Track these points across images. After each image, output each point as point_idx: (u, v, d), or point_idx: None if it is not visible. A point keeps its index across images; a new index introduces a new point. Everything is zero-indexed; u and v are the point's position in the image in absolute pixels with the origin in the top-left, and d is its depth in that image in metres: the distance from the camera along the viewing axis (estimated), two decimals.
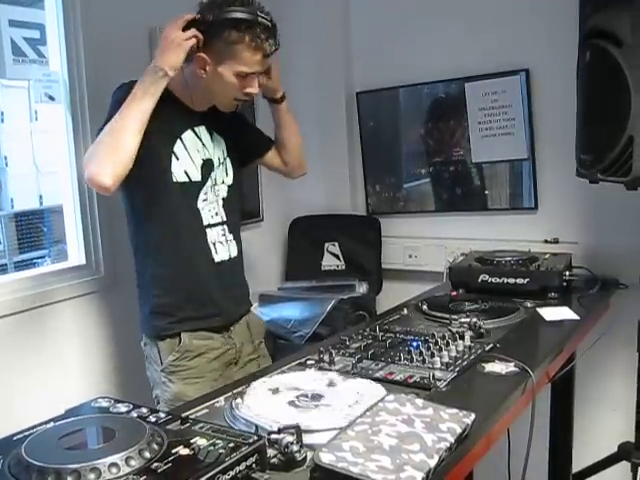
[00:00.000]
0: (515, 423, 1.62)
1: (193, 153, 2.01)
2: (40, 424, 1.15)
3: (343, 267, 3.31)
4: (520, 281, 2.37)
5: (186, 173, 1.98)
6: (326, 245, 3.33)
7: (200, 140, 2.04)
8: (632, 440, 2.41)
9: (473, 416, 1.28)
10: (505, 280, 2.40)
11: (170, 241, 1.99)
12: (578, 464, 2.71)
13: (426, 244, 3.18)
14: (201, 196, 2.02)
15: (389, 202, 3.33)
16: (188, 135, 2.01)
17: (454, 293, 2.44)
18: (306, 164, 2.39)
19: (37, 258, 6.21)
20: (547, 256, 2.56)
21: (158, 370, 1.99)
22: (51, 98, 2.47)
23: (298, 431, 1.15)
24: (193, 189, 2.01)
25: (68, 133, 2.48)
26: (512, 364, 1.64)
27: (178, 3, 2.76)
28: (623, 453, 2.48)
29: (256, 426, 1.24)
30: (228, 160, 2.14)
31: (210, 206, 2.05)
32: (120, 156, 1.77)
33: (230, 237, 2.11)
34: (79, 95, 2.47)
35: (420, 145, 3.19)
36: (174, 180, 1.96)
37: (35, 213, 6.28)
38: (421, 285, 2.77)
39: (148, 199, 1.97)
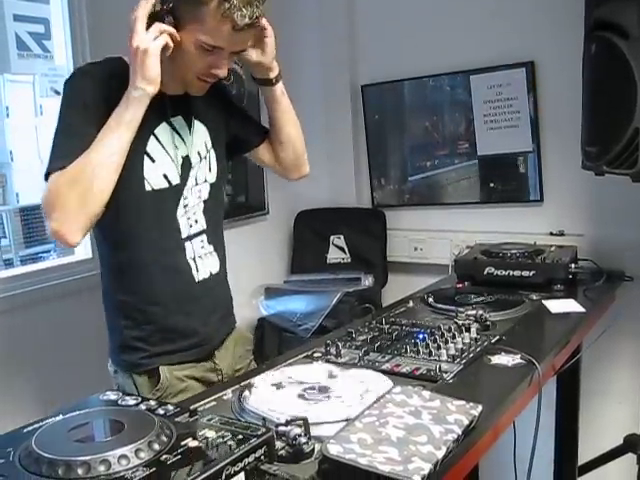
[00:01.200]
0: (521, 415, 1.62)
1: (171, 150, 1.66)
2: (49, 417, 1.15)
3: (349, 260, 3.31)
4: (526, 273, 2.37)
5: (165, 177, 1.65)
6: (331, 238, 3.33)
7: (177, 133, 1.68)
8: (638, 432, 2.42)
9: (480, 408, 1.28)
10: (511, 272, 2.40)
11: (140, 263, 1.67)
12: (584, 456, 2.72)
13: (431, 237, 3.18)
14: (181, 202, 1.69)
15: (394, 195, 3.33)
16: (163, 129, 1.65)
17: (460, 285, 2.44)
18: (307, 165, 2.00)
19: (43, 252, 6.23)
20: (553, 248, 2.56)
21: None
22: (57, 92, 2.48)
23: (306, 423, 1.16)
24: (172, 195, 1.68)
25: None
26: (518, 356, 1.64)
27: None
28: (629, 445, 2.49)
29: (264, 418, 1.24)
30: (212, 153, 1.79)
31: (189, 213, 1.71)
32: (93, 206, 1.47)
33: (210, 248, 1.78)
34: None
35: (425, 138, 3.19)
36: (147, 188, 1.62)
37: (40, 207, 6.30)
38: (427, 278, 2.77)
39: (114, 213, 1.58)
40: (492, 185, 3.05)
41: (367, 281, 3.06)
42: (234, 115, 1.92)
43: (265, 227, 3.34)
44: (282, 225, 3.47)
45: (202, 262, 1.75)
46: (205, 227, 1.76)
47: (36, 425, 1.12)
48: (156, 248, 1.67)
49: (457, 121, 3.07)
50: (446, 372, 1.53)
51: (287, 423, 1.16)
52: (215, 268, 1.79)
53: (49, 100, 2.62)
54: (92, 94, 1.55)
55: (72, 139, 1.51)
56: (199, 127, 1.75)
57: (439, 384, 1.47)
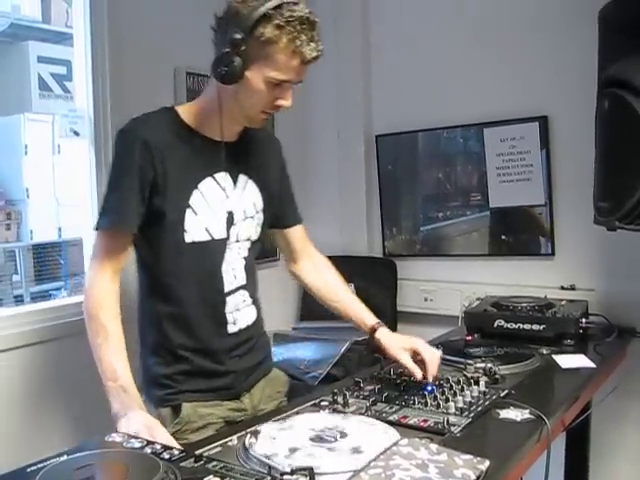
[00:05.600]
0: (529, 472, 1.60)
1: (215, 205, 1.70)
2: (54, 456, 1.15)
3: None
4: (536, 327, 2.36)
5: (207, 230, 1.69)
6: None
7: (222, 189, 1.72)
8: None
9: (487, 463, 1.26)
10: (521, 326, 2.39)
11: (176, 310, 1.71)
12: None
13: (442, 288, 3.18)
14: (225, 256, 1.73)
15: (406, 245, 3.33)
16: (207, 184, 1.69)
17: (469, 338, 2.43)
18: None
19: (53, 290, 6.26)
20: (563, 303, 2.55)
21: None
22: (76, 133, 2.53)
23: (311, 473, 1.14)
24: (215, 248, 1.72)
25: (91, 168, 2.52)
26: (527, 411, 1.62)
27: (203, 42, 2.84)
28: None
29: (269, 466, 1.23)
30: (260, 215, 1.82)
31: (231, 267, 1.75)
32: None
33: (249, 301, 1.82)
34: (103, 131, 2.51)
35: (438, 189, 3.21)
36: (187, 240, 1.66)
37: (53, 245, 6.35)
38: (436, 329, 2.76)
39: (154, 259, 1.69)
40: (503, 237, 3.05)
41: None
42: (282, 187, 1.96)
43: (275, 273, 3.33)
44: None
45: (240, 314, 1.78)
46: (245, 282, 1.79)
47: (40, 465, 1.11)
48: (196, 299, 1.71)
49: (470, 173, 3.10)
50: (454, 425, 1.51)
51: (292, 472, 1.15)
52: (252, 318, 1.83)
53: (67, 140, 2.67)
54: (140, 155, 1.61)
55: (117, 201, 1.63)
56: (249, 185, 1.79)
57: (446, 437, 1.46)
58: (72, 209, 5.16)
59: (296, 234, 2.01)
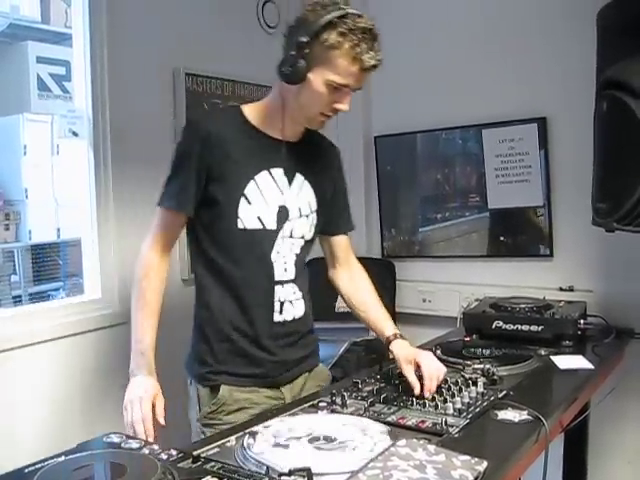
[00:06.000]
0: (527, 472, 1.60)
1: (268, 197, 1.79)
2: (52, 457, 1.15)
3: None
4: (534, 328, 2.36)
5: (259, 219, 1.78)
6: None
7: (276, 183, 1.80)
8: None
9: (485, 464, 1.27)
10: (519, 327, 2.39)
11: (227, 293, 1.81)
12: None
13: (440, 289, 3.18)
14: (275, 247, 1.81)
15: (404, 246, 3.34)
16: (263, 176, 1.78)
17: (468, 339, 2.43)
18: None
19: (52, 290, 6.25)
20: (562, 304, 2.55)
21: (195, 418, 1.83)
22: (74, 134, 2.52)
23: (309, 474, 1.14)
24: (266, 238, 1.80)
25: (90, 169, 2.52)
26: (525, 412, 1.62)
27: (201, 43, 2.85)
28: None
29: (267, 467, 1.23)
30: (315, 215, 1.90)
31: (282, 260, 1.83)
32: None
33: (299, 295, 1.89)
34: (102, 132, 2.52)
35: (436, 190, 3.21)
36: (240, 226, 1.76)
37: (52, 246, 6.34)
38: (435, 330, 2.76)
39: (210, 241, 1.80)
40: (502, 239, 3.05)
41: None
42: (336, 195, 2.02)
43: None
44: None
45: (288, 305, 1.85)
46: (294, 277, 1.86)
47: (38, 465, 1.11)
48: (246, 282, 1.80)
49: (468, 174, 3.10)
50: (452, 426, 1.51)
51: (290, 473, 1.15)
52: (299, 313, 1.89)
53: (66, 141, 2.66)
54: (201, 144, 1.73)
55: (176, 185, 1.76)
56: (305, 185, 1.88)
57: (445, 438, 1.46)
58: (71, 209, 5.15)
59: (341, 243, 2.09)
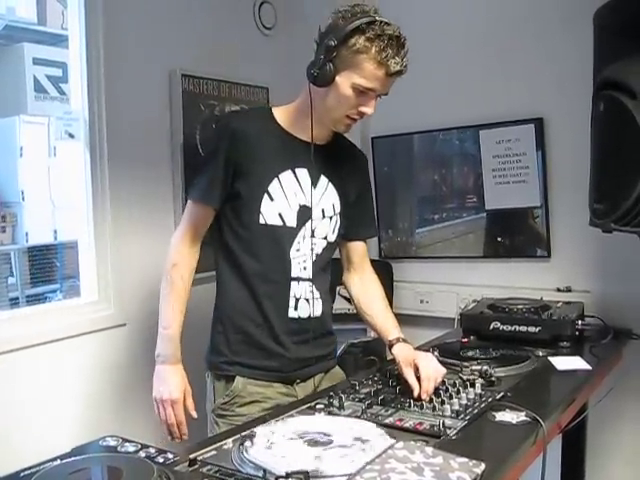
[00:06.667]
0: (525, 474, 1.59)
1: (290, 196, 1.85)
2: (47, 461, 1.14)
3: (354, 311, 3.28)
4: (532, 329, 2.36)
5: (280, 216, 1.84)
6: (337, 289, 3.32)
7: (299, 183, 1.86)
8: None
9: (483, 466, 1.26)
10: (517, 328, 2.38)
11: (245, 285, 1.87)
12: None
13: (438, 290, 3.18)
14: (294, 244, 1.86)
15: (402, 247, 3.33)
16: (287, 175, 1.85)
17: (465, 340, 2.42)
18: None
19: (49, 292, 6.24)
20: (559, 305, 2.55)
21: (209, 409, 1.90)
22: (71, 136, 2.52)
23: (306, 476, 1.14)
24: (286, 234, 1.86)
25: (86, 170, 2.52)
26: (523, 413, 1.62)
27: (198, 44, 2.85)
28: None
29: (264, 470, 1.23)
30: (338, 217, 1.95)
31: (301, 257, 1.88)
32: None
33: (317, 295, 1.92)
34: (98, 134, 2.51)
35: (434, 191, 3.21)
36: (261, 222, 1.82)
37: (49, 247, 6.33)
38: (432, 331, 2.76)
39: (232, 235, 1.86)
40: (499, 239, 3.05)
41: (372, 333, 3.03)
42: (359, 201, 2.05)
43: None
44: None
45: (304, 302, 1.90)
46: (311, 276, 1.91)
47: (34, 469, 1.11)
48: (264, 276, 1.86)
49: (466, 175, 3.10)
50: (450, 428, 1.51)
51: (287, 476, 1.14)
52: (317, 312, 1.93)
53: (63, 142, 2.65)
54: (229, 142, 1.81)
55: (205, 180, 1.85)
56: (329, 187, 1.93)
57: (442, 440, 1.45)
58: (68, 211, 5.14)
59: (357, 249, 2.10)
